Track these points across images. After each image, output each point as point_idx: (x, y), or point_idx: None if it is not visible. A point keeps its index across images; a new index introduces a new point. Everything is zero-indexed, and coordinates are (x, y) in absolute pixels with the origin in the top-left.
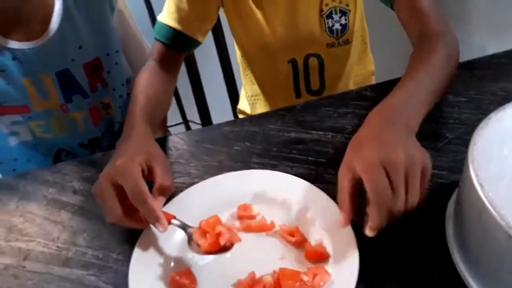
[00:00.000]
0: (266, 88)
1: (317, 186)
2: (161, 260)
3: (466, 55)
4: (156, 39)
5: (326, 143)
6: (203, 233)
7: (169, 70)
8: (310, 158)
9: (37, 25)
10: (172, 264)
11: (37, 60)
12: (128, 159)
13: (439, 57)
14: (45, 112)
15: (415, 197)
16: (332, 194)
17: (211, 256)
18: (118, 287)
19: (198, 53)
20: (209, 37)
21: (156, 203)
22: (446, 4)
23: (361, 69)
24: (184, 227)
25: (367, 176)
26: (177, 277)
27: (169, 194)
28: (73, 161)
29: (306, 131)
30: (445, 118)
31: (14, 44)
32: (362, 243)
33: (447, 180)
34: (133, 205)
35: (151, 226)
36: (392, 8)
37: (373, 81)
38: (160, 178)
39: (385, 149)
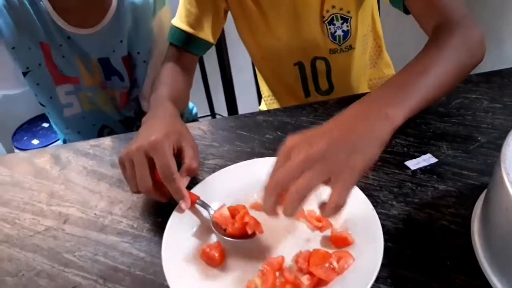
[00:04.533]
0: (275, 89)
1: None
2: (193, 232)
3: (498, 64)
4: (170, 43)
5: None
6: (228, 217)
7: (185, 72)
8: None
9: (93, 18)
10: (203, 236)
11: (84, 45)
12: (163, 136)
13: (448, 47)
14: (92, 87)
15: (290, 201)
16: (360, 185)
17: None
18: (151, 254)
19: (231, 47)
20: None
21: (182, 182)
22: (479, 14)
23: (376, 72)
24: (207, 208)
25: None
26: (208, 249)
27: (194, 175)
28: (112, 137)
29: None
30: (478, 122)
31: (69, 28)
32: (388, 234)
33: (476, 182)
34: (157, 180)
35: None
36: (404, 11)
37: None
38: (189, 159)
39: (308, 140)
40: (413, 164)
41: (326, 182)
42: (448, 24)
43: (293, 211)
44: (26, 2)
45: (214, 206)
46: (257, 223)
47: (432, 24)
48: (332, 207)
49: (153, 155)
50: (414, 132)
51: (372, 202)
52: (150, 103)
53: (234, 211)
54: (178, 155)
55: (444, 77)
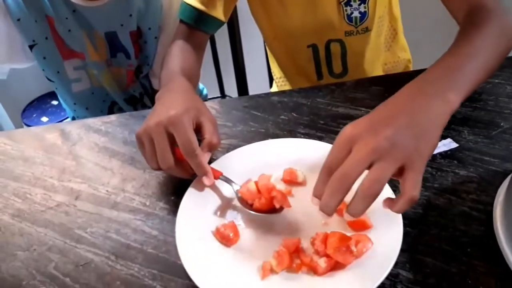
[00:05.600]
0: (287, 71)
1: None
2: (208, 211)
3: None
4: (181, 20)
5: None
6: (254, 192)
7: (195, 49)
8: None
9: None
10: (217, 215)
11: (91, 18)
12: (182, 111)
13: (489, 32)
14: (97, 63)
15: (362, 197)
16: None
17: (255, 214)
18: (164, 233)
19: (243, 28)
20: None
21: (204, 157)
22: None
23: (391, 56)
24: (230, 184)
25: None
26: (222, 229)
27: (215, 150)
28: (125, 114)
29: (355, 108)
30: (501, 108)
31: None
32: (407, 219)
33: (499, 168)
34: (178, 156)
35: (196, 180)
36: None
37: (410, 69)
38: (209, 134)
39: (371, 128)
40: None
41: (396, 173)
42: (483, 9)
43: (363, 210)
44: None
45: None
46: (284, 197)
47: (464, 8)
48: (407, 199)
49: (173, 130)
50: None
51: (391, 186)
52: (161, 79)
53: (262, 187)
54: (197, 131)
55: (489, 62)
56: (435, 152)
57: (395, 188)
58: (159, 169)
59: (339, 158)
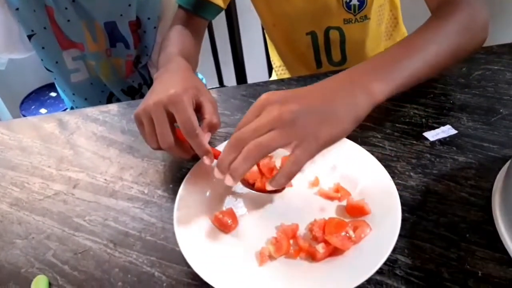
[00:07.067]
0: (287, 59)
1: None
2: (206, 198)
3: None
4: (179, 5)
5: (374, 107)
6: (256, 171)
7: (194, 35)
8: None
9: None
10: (216, 202)
11: (91, 8)
12: (182, 90)
13: (449, 26)
14: (96, 54)
15: (245, 156)
16: (377, 156)
17: (253, 200)
18: (162, 220)
19: (241, 18)
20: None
21: (204, 137)
22: None
23: (391, 45)
24: None
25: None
26: (220, 216)
27: (216, 131)
28: (122, 103)
29: None
30: (500, 94)
31: None
32: (406, 205)
33: (498, 154)
34: (178, 135)
35: (194, 167)
36: None
37: None
38: (209, 114)
39: (283, 99)
40: (431, 135)
41: (287, 146)
42: (453, 3)
43: (243, 169)
44: None
45: None
46: None
47: (436, 1)
48: (284, 174)
49: (173, 109)
50: (433, 103)
51: (389, 173)
52: (160, 61)
53: (263, 166)
54: (197, 111)
55: (439, 57)
56: (434, 138)
57: (393, 174)
58: (159, 148)
59: (248, 121)
